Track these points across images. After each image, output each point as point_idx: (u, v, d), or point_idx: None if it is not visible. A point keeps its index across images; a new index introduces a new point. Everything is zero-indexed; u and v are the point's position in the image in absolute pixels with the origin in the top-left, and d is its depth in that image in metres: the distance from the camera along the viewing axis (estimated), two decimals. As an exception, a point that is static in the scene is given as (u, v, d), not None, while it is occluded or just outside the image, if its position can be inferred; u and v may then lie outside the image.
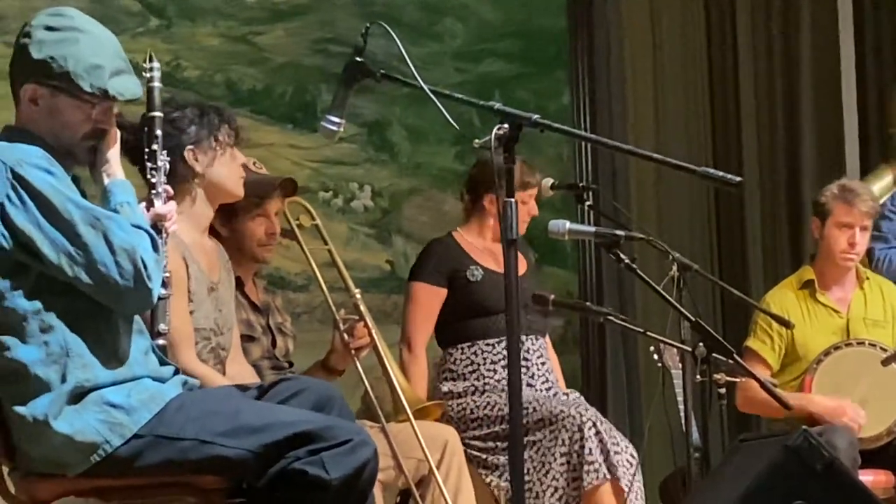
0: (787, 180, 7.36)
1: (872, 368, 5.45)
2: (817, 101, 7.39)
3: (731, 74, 7.40)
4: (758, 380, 4.25)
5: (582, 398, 5.32)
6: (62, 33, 3.35)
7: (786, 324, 5.41)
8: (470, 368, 5.23)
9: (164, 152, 3.67)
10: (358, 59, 3.38)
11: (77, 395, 3.28)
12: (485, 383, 5.21)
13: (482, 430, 5.13)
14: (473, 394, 5.20)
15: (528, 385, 5.16)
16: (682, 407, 4.71)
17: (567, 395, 5.29)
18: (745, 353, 5.53)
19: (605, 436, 4.96)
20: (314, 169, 6.64)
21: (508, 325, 3.17)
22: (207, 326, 4.06)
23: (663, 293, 4.14)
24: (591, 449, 4.93)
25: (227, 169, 4.14)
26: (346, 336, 4.53)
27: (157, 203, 3.61)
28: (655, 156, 3.32)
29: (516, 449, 3.21)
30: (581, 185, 5.60)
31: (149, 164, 3.65)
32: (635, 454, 5.02)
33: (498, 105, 3.22)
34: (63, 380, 3.28)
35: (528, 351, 5.21)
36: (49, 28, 3.36)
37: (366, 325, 4.56)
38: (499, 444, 5.10)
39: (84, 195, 3.39)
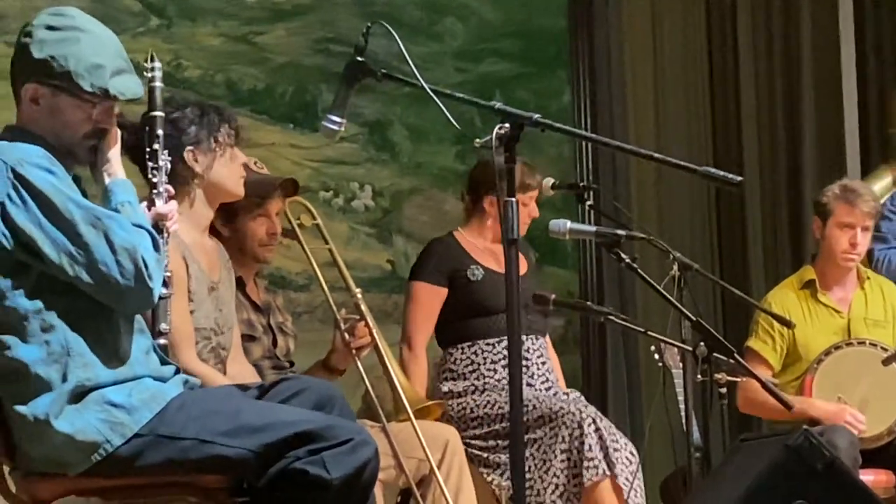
0: (788, 180, 7.37)
1: (873, 368, 5.45)
2: (818, 101, 7.39)
3: (732, 74, 7.40)
4: (759, 379, 4.24)
5: (582, 397, 5.32)
6: (63, 33, 3.35)
7: (787, 323, 5.41)
8: (470, 368, 5.24)
9: (166, 152, 3.67)
10: (359, 58, 3.38)
11: (78, 395, 3.28)
12: (485, 383, 5.21)
13: (482, 428, 5.14)
14: (473, 393, 5.20)
15: (528, 385, 5.16)
16: (682, 406, 4.72)
17: (567, 394, 5.29)
18: (746, 353, 5.53)
19: (605, 432, 4.96)
20: (315, 169, 6.65)
21: (509, 325, 3.16)
22: (208, 326, 4.06)
23: (664, 293, 4.14)
24: (590, 445, 4.93)
25: (227, 170, 4.14)
26: (346, 335, 4.53)
27: (159, 202, 3.61)
28: (656, 155, 3.32)
29: (517, 448, 3.21)
30: (582, 184, 5.60)
31: (150, 164, 3.65)
32: (635, 452, 5.02)
33: (499, 104, 3.22)
34: (64, 379, 3.28)
35: (528, 350, 5.21)
36: (50, 27, 3.36)
37: (367, 325, 4.56)
38: (499, 442, 5.10)
39: (85, 195, 3.39)
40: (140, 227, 3.34)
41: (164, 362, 3.48)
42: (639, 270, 4.10)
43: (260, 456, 3.31)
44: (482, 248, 5.33)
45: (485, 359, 5.22)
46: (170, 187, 3.67)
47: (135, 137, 3.71)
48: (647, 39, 7.33)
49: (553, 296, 4.88)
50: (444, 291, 5.25)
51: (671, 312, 4.30)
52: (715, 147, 7.42)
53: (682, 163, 3.25)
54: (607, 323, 5.58)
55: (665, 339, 4.55)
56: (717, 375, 4.70)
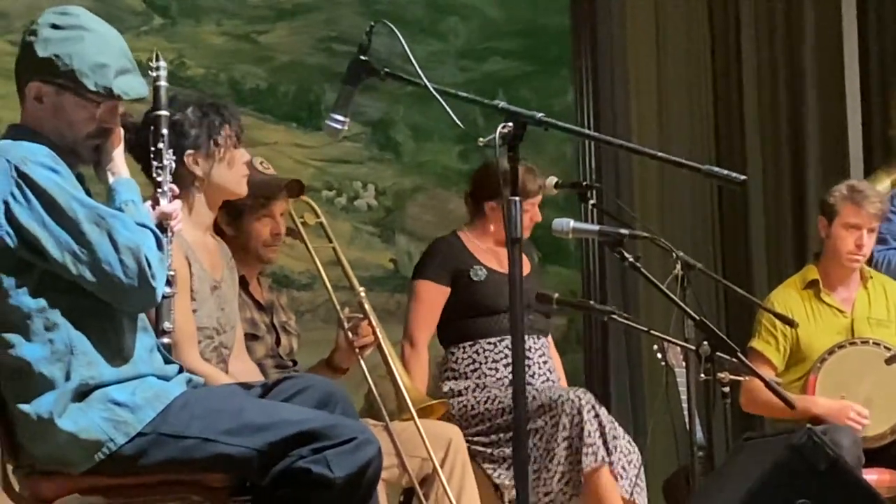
0: (791, 179, 7.37)
1: (876, 367, 5.45)
2: (821, 99, 7.39)
3: (735, 73, 7.40)
4: (762, 378, 4.25)
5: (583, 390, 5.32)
6: (68, 31, 3.35)
7: (790, 322, 5.40)
8: (472, 367, 5.24)
9: (171, 151, 3.67)
10: (362, 57, 3.38)
11: (81, 393, 3.28)
12: (486, 381, 5.21)
13: (484, 424, 5.14)
14: (474, 391, 5.21)
15: (528, 384, 5.16)
16: (685, 406, 4.72)
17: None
18: (749, 353, 5.51)
19: (604, 419, 4.97)
20: (318, 168, 6.65)
21: (512, 324, 3.16)
22: (210, 325, 4.06)
23: (667, 292, 4.15)
24: (589, 432, 4.93)
25: (227, 172, 4.12)
26: (350, 334, 4.52)
27: (163, 201, 3.60)
28: (660, 154, 3.32)
29: (520, 445, 3.21)
30: (585, 183, 5.61)
31: (154, 163, 3.64)
32: (633, 444, 5.02)
33: (502, 103, 3.22)
34: (67, 378, 3.27)
35: (529, 349, 5.21)
36: (55, 26, 3.35)
37: (370, 324, 4.55)
38: (502, 435, 5.11)
39: (89, 193, 3.39)
40: (144, 226, 3.34)
41: (167, 361, 3.48)
42: (642, 269, 4.10)
43: (263, 455, 3.31)
44: (485, 249, 5.33)
45: (486, 358, 5.23)
46: (174, 186, 3.67)
47: (137, 136, 3.71)
48: (650, 38, 7.33)
49: (556, 295, 4.89)
50: (447, 290, 5.25)
51: (674, 311, 4.30)
52: (718, 146, 7.42)
53: (686, 161, 3.26)
54: (610, 322, 5.59)
55: (668, 338, 4.56)
56: (721, 374, 4.70)
